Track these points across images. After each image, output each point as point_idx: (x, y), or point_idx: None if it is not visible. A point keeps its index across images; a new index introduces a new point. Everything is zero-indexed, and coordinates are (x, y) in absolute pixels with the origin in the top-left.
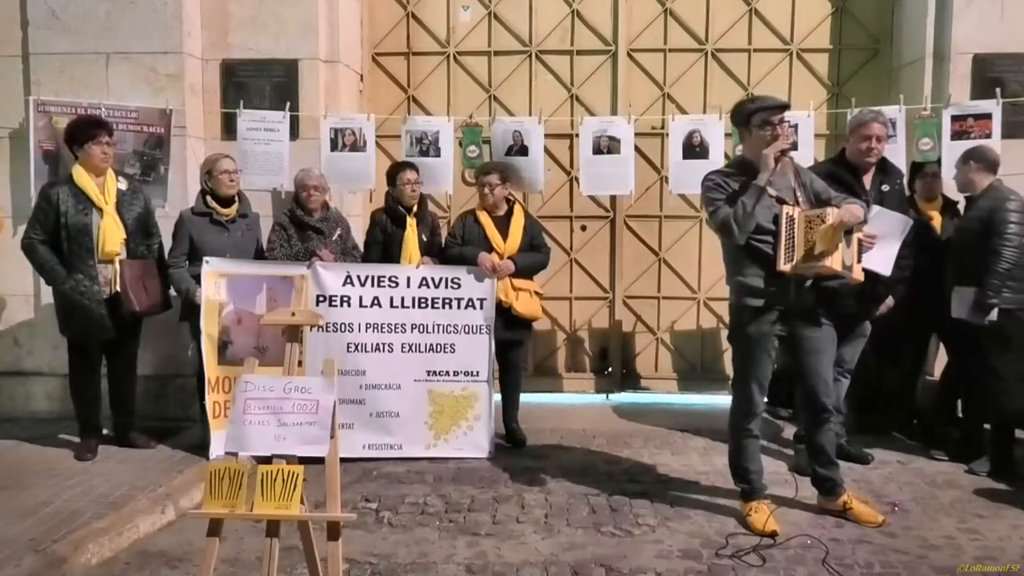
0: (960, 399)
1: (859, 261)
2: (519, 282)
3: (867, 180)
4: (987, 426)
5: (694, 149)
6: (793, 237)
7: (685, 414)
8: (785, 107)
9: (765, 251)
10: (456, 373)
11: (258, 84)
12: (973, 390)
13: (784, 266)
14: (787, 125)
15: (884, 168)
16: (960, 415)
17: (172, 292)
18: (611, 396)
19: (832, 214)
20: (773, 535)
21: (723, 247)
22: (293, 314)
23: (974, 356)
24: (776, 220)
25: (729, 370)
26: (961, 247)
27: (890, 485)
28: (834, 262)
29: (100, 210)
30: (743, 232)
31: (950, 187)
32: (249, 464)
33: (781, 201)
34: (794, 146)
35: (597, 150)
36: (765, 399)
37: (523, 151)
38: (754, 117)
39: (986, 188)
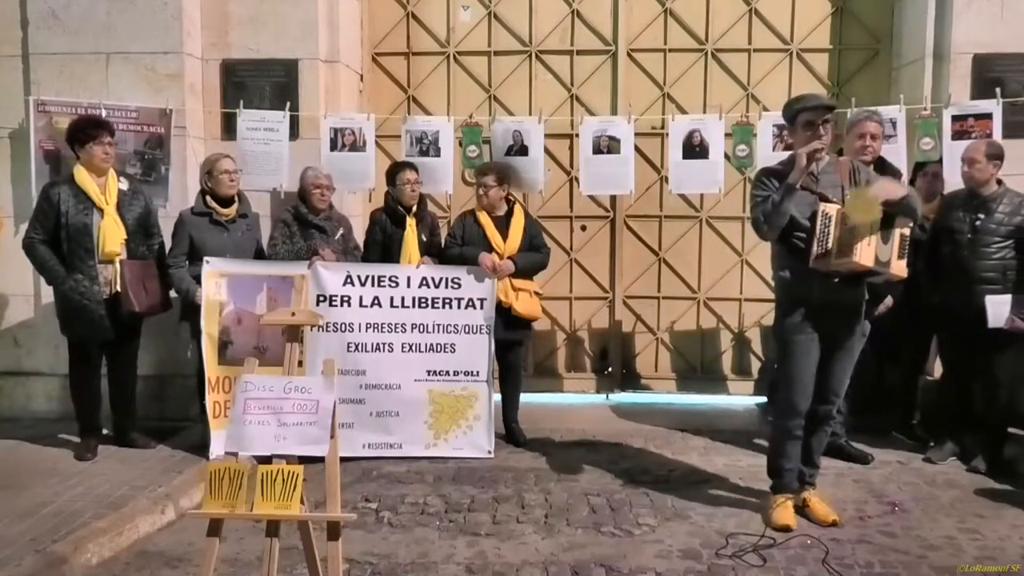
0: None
1: (901, 257)
2: (519, 282)
3: None
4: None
5: (694, 149)
6: (828, 234)
7: (685, 414)
8: (830, 108)
9: (802, 247)
10: (456, 373)
11: (258, 84)
12: (985, 390)
13: (815, 262)
14: (830, 125)
15: (882, 168)
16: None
17: (172, 292)
18: (611, 396)
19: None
20: (787, 529)
21: (770, 244)
22: (293, 314)
23: (983, 357)
24: (813, 217)
25: (728, 370)
26: (979, 248)
27: (890, 485)
28: (864, 257)
29: (101, 210)
30: (772, 228)
31: (950, 186)
32: (249, 464)
33: (824, 199)
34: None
35: (597, 150)
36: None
37: (523, 151)
38: (799, 116)
39: (998, 188)
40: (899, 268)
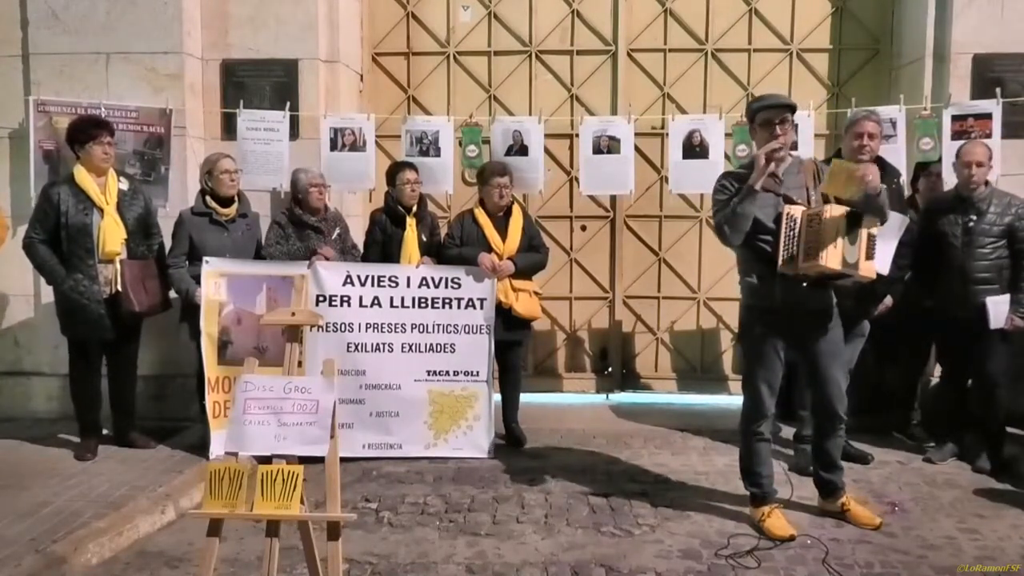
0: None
1: (869, 258)
2: (518, 282)
3: None
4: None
5: (694, 149)
6: (793, 236)
7: (685, 414)
8: (788, 107)
9: (768, 251)
10: (456, 373)
11: (258, 84)
12: (981, 390)
13: (784, 267)
14: (788, 125)
15: (882, 167)
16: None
17: (172, 292)
18: (611, 396)
19: (831, 207)
20: (791, 539)
21: (736, 248)
22: (293, 314)
23: (980, 356)
24: (778, 219)
25: (728, 370)
26: (974, 249)
27: (890, 485)
28: (830, 260)
29: (101, 210)
30: (735, 232)
31: (949, 187)
32: (249, 464)
33: (789, 200)
34: (794, 146)
35: (597, 150)
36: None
37: (523, 151)
38: (757, 116)
39: (985, 188)
40: (868, 269)
